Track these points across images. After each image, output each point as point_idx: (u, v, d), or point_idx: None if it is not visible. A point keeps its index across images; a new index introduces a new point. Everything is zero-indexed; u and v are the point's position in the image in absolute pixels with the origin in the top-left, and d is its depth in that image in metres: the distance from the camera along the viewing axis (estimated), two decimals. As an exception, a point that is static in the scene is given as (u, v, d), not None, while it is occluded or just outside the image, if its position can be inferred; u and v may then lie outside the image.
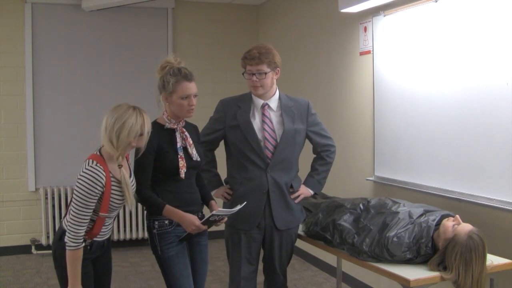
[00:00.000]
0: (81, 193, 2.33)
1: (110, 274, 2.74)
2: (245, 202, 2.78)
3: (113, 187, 2.43)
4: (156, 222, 2.67)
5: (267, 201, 2.95)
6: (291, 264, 3.18)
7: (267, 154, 2.93)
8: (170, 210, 2.62)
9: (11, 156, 5.59)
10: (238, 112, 2.97)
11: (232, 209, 2.72)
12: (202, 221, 2.65)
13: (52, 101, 5.58)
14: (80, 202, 2.33)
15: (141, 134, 2.45)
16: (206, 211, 2.82)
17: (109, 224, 2.56)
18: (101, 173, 2.36)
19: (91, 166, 2.36)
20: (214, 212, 2.64)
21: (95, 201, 2.37)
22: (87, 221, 2.38)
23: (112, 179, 2.43)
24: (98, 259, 2.60)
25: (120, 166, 2.43)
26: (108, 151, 2.43)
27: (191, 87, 2.66)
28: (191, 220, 2.63)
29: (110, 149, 2.42)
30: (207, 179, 3.09)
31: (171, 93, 2.65)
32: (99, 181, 2.35)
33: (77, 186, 2.34)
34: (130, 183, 2.51)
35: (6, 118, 5.56)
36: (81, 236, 2.37)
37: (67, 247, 2.36)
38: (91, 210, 2.37)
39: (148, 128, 2.48)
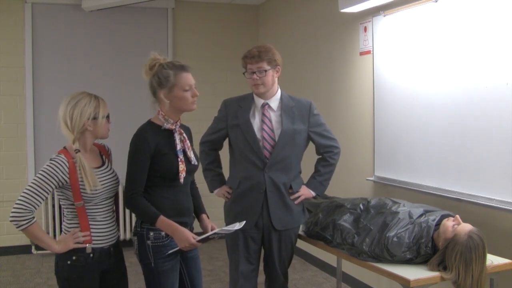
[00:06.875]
0: (40, 175, 2.26)
1: None
2: (244, 221, 2.67)
3: (80, 174, 2.34)
4: (152, 233, 2.45)
5: (265, 200, 2.94)
6: (291, 264, 3.17)
7: (265, 154, 2.93)
8: (164, 221, 2.40)
9: (11, 156, 5.59)
10: (239, 112, 2.98)
11: (232, 229, 2.59)
12: (200, 239, 2.44)
13: (52, 101, 5.56)
14: (37, 181, 2.25)
15: (95, 118, 2.38)
16: (196, 224, 2.67)
17: (108, 224, 2.43)
18: (63, 159, 2.32)
19: (53, 157, 2.34)
20: (216, 231, 2.49)
21: (52, 183, 2.26)
22: (37, 202, 2.23)
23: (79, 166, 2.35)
24: (110, 272, 2.45)
25: (77, 150, 2.35)
26: (65, 135, 2.37)
27: (191, 77, 2.52)
28: (186, 237, 2.41)
29: (66, 132, 2.37)
30: (210, 178, 3.10)
31: (172, 87, 2.46)
32: (61, 165, 2.29)
33: (39, 172, 2.29)
34: (103, 172, 2.44)
35: (6, 118, 5.56)
36: (27, 212, 2.21)
37: (19, 228, 2.19)
38: (45, 194, 2.25)
39: (103, 113, 2.41)
